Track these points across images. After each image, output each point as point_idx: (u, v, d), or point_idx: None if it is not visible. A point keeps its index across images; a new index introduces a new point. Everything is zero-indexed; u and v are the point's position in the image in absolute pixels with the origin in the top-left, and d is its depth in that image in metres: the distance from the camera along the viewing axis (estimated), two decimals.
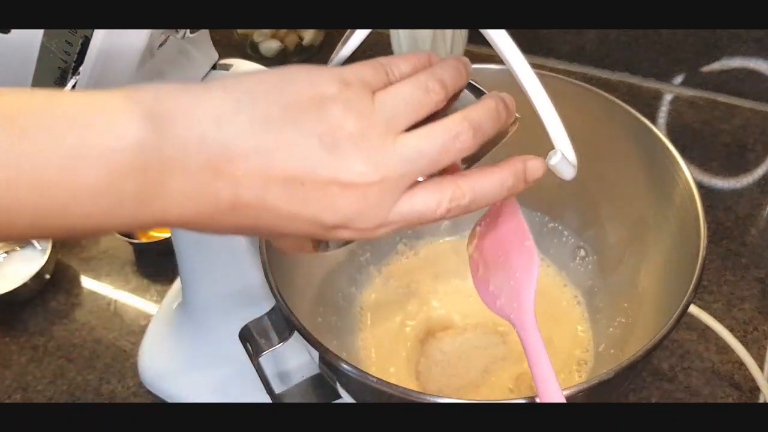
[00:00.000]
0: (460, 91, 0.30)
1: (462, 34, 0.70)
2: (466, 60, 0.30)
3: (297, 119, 0.25)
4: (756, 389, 0.52)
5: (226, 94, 0.25)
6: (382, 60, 0.28)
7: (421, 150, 0.26)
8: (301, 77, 0.26)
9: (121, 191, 0.23)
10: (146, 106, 0.24)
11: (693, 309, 0.53)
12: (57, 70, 0.36)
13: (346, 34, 0.33)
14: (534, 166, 0.29)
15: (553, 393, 0.30)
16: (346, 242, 0.34)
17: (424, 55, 0.30)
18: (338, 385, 0.39)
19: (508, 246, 0.34)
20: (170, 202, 0.24)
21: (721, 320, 0.53)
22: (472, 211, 0.28)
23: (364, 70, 0.27)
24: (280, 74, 0.26)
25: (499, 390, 0.48)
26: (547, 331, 0.50)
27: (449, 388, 0.48)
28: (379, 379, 0.34)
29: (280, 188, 0.24)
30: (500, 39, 0.30)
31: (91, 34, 0.35)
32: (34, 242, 0.69)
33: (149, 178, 0.23)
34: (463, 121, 0.27)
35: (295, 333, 0.37)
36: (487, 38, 0.30)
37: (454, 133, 0.26)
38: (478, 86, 0.31)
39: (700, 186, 0.42)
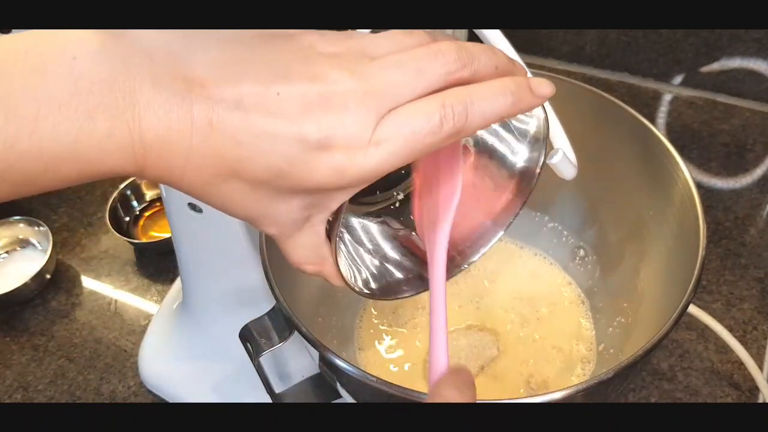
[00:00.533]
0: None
1: (461, 34, 0.70)
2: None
3: (268, 41, 0.24)
4: (755, 389, 0.52)
5: (193, 30, 0.25)
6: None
7: (399, 61, 0.24)
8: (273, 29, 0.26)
9: (88, 102, 0.22)
10: (107, 32, 0.23)
11: (692, 309, 0.53)
12: None
13: None
14: (539, 81, 0.27)
15: (440, 337, 0.28)
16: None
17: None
18: (338, 384, 0.39)
19: (441, 173, 0.32)
20: (143, 115, 0.23)
21: (720, 320, 0.53)
22: (474, 125, 0.25)
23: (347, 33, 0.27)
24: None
25: (496, 388, 0.48)
26: (551, 329, 0.51)
27: None
28: (379, 378, 0.34)
29: (255, 99, 0.23)
30: (495, 39, 0.30)
31: None
32: (35, 242, 0.69)
33: (117, 86, 0.22)
34: (451, 43, 0.25)
35: (295, 333, 0.37)
36: (482, 39, 0.30)
37: (436, 49, 0.25)
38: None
39: (700, 186, 0.42)
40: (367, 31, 0.32)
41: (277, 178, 0.24)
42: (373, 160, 0.24)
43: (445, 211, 0.29)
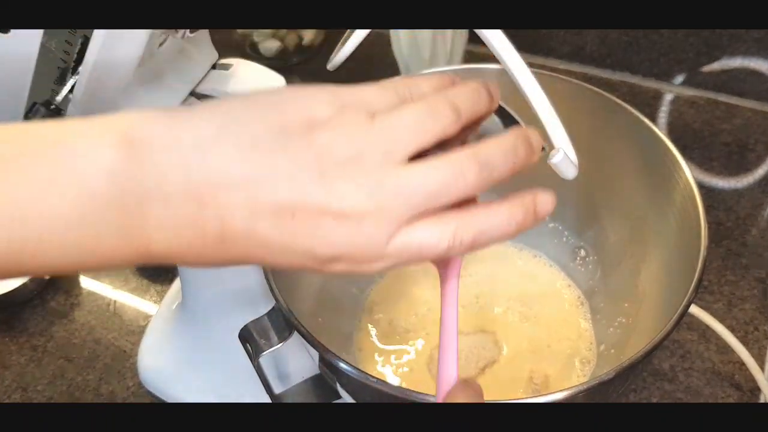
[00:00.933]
0: (483, 117, 0.28)
1: (462, 34, 0.70)
2: (494, 85, 0.28)
3: (285, 146, 0.23)
4: (756, 389, 0.52)
5: (210, 118, 0.24)
6: (401, 79, 0.27)
7: (420, 185, 0.24)
8: (292, 100, 0.24)
9: (98, 222, 0.22)
10: (123, 132, 0.23)
11: (694, 309, 0.53)
12: (57, 70, 0.36)
13: (346, 34, 0.33)
14: (544, 199, 0.27)
15: (449, 360, 0.29)
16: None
17: (448, 77, 0.28)
18: (338, 385, 0.39)
19: None
20: (153, 233, 0.23)
21: (721, 320, 0.53)
22: (476, 248, 0.26)
23: (369, 91, 0.25)
24: (270, 96, 0.25)
25: (497, 388, 0.48)
26: (551, 329, 0.51)
27: None
28: (379, 379, 0.34)
29: (269, 219, 0.23)
30: (496, 39, 0.30)
31: (91, 34, 0.35)
32: None
33: (127, 207, 0.22)
34: (470, 157, 0.25)
35: (295, 333, 0.37)
36: (482, 38, 0.30)
37: (459, 170, 0.24)
38: (511, 112, 0.30)
39: (701, 186, 0.42)
40: (367, 31, 0.32)
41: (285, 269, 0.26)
42: (377, 267, 0.25)
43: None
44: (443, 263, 0.31)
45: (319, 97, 0.24)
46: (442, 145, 0.25)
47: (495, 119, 0.30)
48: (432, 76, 0.27)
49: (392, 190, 0.24)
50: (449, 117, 0.25)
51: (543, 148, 0.29)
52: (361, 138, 0.24)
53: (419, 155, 0.25)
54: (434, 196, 0.24)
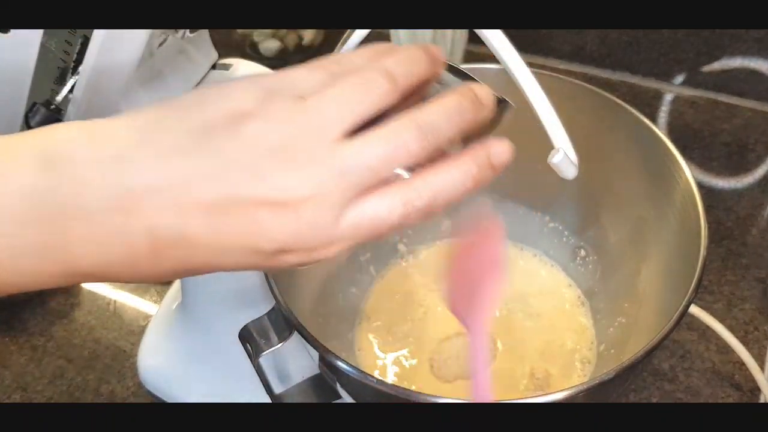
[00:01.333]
0: (428, 81, 0.26)
1: (462, 33, 0.70)
2: (434, 48, 0.26)
3: (209, 142, 0.22)
4: (756, 389, 0.52)
5: (130, 126, 0.23)
6: (330, 57, 0.25)
7: (358, 161, 0.22)
8: (214, 96, 0.23)
9: (15, 242, 0.21)
10: (42, 149, 0.22)
11: (693, 309, 0.53)
12: (56, 70, 0.36)
13: (346, 34, 0.33)
14: (499, 149, 0.25)
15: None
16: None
17: (384, 46, 0.26)
18: (338, 385, 0.39)
19: (484, 264, 0.34)
20: (77, 250, 0.22)
21: (721, 320, 0.53)
22: (436, 211, 0.24)
23: (296, 73, 0.24)
24: (192, 96, 0.24)
25: (497, 389, 0.48)
26: (552, 329, 0.51)
27: (449, 385, 0.48)
28: (379, 379, 0.34)
29: (201, 220, 0.22)
30: (496, 39, 0.30)
31: (91, 34, 0.35)
32: None
33: (46, 225, 0.21)
34: (410, 124, 0.23)
35: (295, 333, 0.37)
36: (482, 38, 0.30)
37: (399, 140, 0.23)
38: (464, 71, 0.28)
39: (701, 186, 0.42)
40: (367, 31, 0.32)
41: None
42: (333, 251, 0.24)
43: (492, 302, 0.32)
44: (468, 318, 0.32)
45: (242, 89, 0.23)
46: (387, 116, 0.24)
47: (453, 79, 0.28)
48: (366, 48, 0.26)
49: (329, 171, 0.22)
50: (383, 86, 0.23)
51: (501, 101, 0.27)
52: (290, 123, 0.22)
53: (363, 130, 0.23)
54: (375, 170, 0.23)
